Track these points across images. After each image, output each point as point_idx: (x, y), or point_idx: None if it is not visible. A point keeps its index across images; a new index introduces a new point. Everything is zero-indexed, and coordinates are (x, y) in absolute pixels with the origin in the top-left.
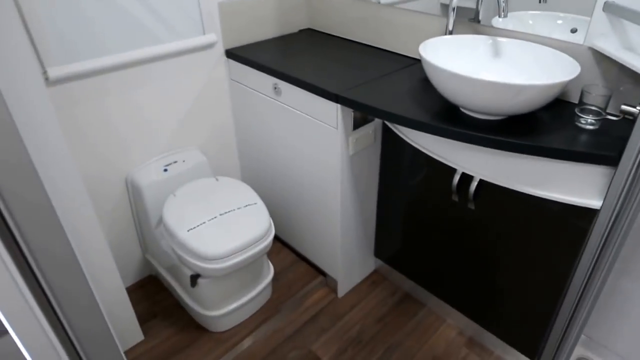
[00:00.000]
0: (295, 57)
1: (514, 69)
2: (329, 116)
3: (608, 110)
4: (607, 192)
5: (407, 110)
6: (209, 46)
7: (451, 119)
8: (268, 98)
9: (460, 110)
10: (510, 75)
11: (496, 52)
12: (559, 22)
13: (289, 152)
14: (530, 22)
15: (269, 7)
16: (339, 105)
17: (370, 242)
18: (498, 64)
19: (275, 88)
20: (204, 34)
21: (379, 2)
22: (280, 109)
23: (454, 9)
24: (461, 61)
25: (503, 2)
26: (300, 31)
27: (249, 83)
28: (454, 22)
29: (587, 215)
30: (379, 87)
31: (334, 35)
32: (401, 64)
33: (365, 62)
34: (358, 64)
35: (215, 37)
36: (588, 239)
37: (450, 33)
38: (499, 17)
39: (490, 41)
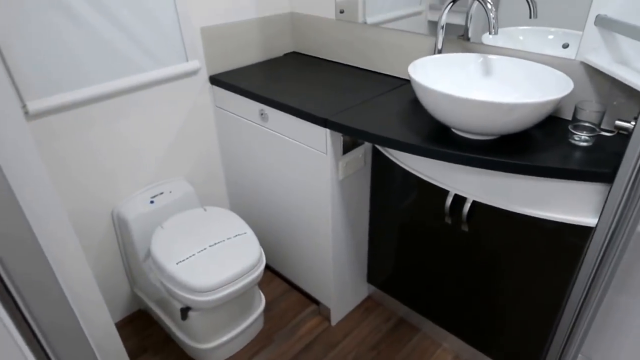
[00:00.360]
0: (281, 81)
1: (506, 87)
2: (318, 141)
3: (602, 126)
4: (602, 210)
5: (397, 133)
6: (193, 73)
7: (442, 140)
8: (254, 124)
9: (452, 131)
10: (502, 93)
11: (487, 70)
12: (550, 37)
13: (278, 179)
14: (521, 37)
15: (252, 32)
16: (327, 130)
17: (363, 268)
18: (489, 82)
19: (261, 114)
20: (187, 60)
21: (365, 23)
22: (267, 135)
23: (442, 26)
24: (452, 80)
25: (493, 19)
26: (286, 55)
27: (235, 109)
28: (443, 40)
29: (582, 232)
30: (369, 110)
31: (320, 58)
32: (390, 85)
33: (353, 84)
34: (346, 86)
35: (198, 63)
36: (584, 257)
37: (440, 52)
38: (490, 34)
39: (481, 59)
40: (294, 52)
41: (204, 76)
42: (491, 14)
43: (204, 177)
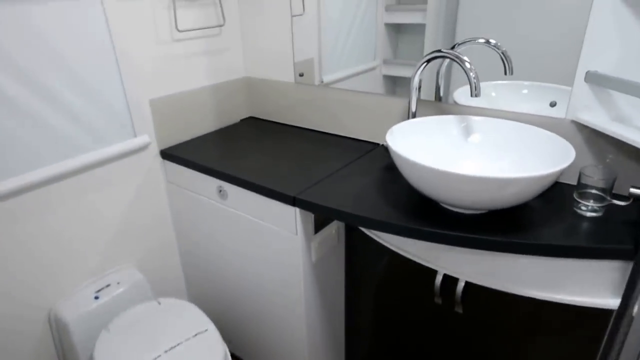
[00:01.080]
0: (240, 151)
1: (497, 153)
2: (287, 221)
3: (612, 192)
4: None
5: (376, 210)
6: (142, 149)
7: (427, 216)
8: (213, 202)
9: (438, 204)
10: (493, 160)
11: (473, 134)
12: (524, 91)
13: (242, 263)
14: (493, 94)
15: (205, 100)
16: (297, 209)
17: (340, 354)
18: (478, 149)
19: (220, 191)
20: (136, 136)
21: (322, 82)
22: (227, 214)
23: (416, 87)
24: (435, 149)
25: (474, 79)
26: (242, 121)
27: (190, 186)
28: (417, 101)
29: (599, 314)
30: (341, 182)
31: (279, 123)
32: (359, 150)
33: (319, 152)
34: (312, 154)
35: (148, 138)
36: (605, 342)
37: (414, 115)
38: (472, 96)
39: (465, 122)
40: (250, 118)
41: (154, 151)
42: (471, 74)
43: (157, 263)
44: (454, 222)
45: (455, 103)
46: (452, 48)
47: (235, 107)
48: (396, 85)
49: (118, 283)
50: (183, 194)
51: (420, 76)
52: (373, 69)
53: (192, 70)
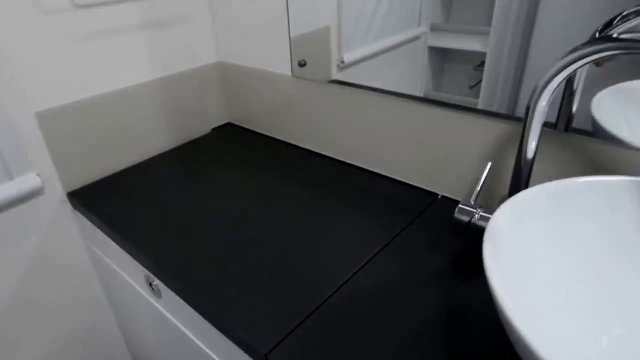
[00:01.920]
0: (195, 198)
1: None
2: None
3: None
4: None
5: None
6: (30, 196)
7: None
8: (144, 295)
9: None
10: None
11: None
12: None
13: None
14: None
15: (145, 101)
16: None
17: None
18: None
19: (149, 284)
20: (12, 178)
21: (343, 62)
22: (164, 319)
23: (541, 122)
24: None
25: None
26: (215, 130)
27: (112, 258)
28: (537, 146)
29: None
30: (373, 309)
31: (270, 137)
32: (405, 207)
33: (330, 208)
34: (317, 215)
35: (37, 178)
36: None
37: (531, 166)
38: None
39: None
40: (228, 125)
41: (56, 195)
42: None
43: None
44: None
45: (607, 136)
46: (613, 22)
47: (204, 110)
48: (444, 60)
49: None
50: (107, 265)
51: (553, 92)
52: (416, 38)
53: (121, 56)
